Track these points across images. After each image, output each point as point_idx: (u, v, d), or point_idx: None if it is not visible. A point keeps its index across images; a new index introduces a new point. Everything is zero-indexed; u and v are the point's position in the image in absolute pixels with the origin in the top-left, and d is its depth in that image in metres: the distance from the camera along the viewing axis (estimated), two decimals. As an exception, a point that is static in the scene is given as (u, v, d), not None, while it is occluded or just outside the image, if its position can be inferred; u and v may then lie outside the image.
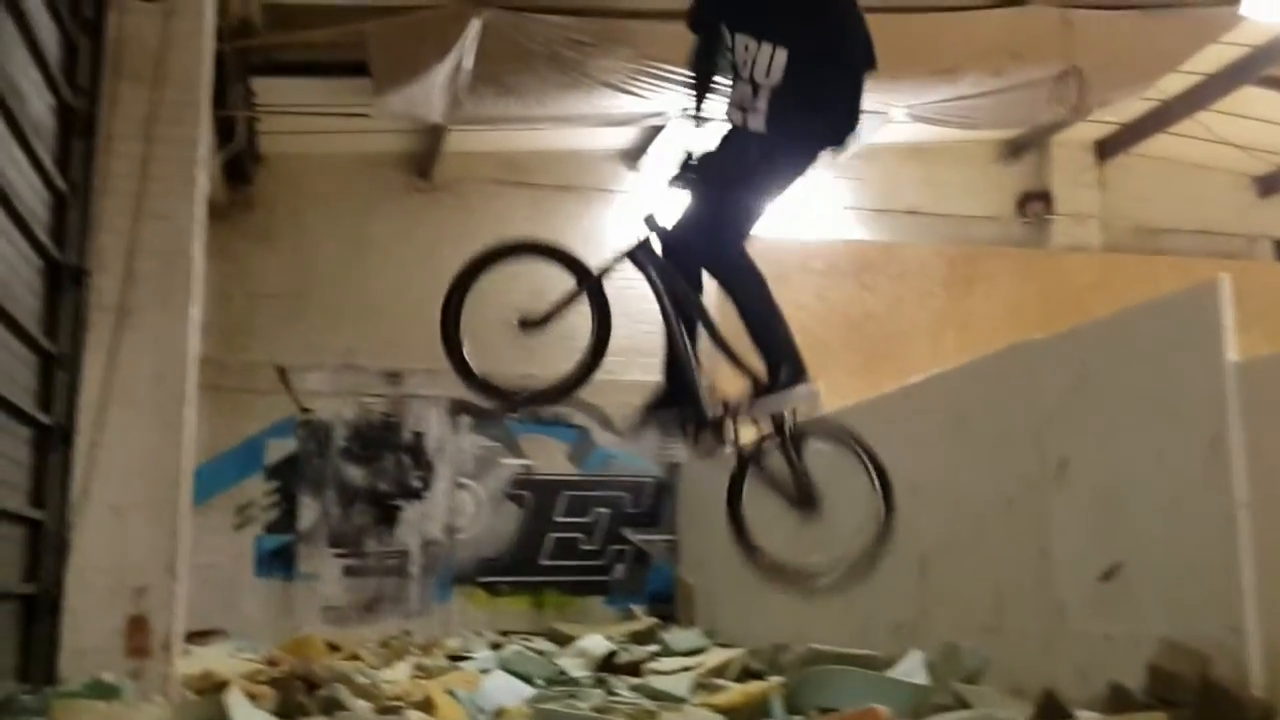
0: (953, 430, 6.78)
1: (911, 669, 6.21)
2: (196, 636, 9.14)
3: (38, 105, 5.27)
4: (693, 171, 4.43)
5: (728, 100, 4.50)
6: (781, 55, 4.34)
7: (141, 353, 5.94)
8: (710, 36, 4.51)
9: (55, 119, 5.59)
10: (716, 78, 4.59)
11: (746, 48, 4.41)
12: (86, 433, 5.77)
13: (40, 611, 5.44)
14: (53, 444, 5.59)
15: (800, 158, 4.49)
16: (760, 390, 4.42)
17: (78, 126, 5.85)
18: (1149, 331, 5.34)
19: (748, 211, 4.48)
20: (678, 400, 4.50)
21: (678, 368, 4.50)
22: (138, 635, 5.76)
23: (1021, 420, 6.13)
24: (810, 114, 4.41)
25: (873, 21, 4.47)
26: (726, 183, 4.43)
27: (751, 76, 4.39)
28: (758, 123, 4.37)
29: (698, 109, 4.57)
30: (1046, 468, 5.87)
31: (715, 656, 8.22)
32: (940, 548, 6.81)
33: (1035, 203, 13.03)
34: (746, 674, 7.42)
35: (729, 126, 4.51)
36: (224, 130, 9.35)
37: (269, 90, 9.88)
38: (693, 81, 4.62)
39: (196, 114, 6.31)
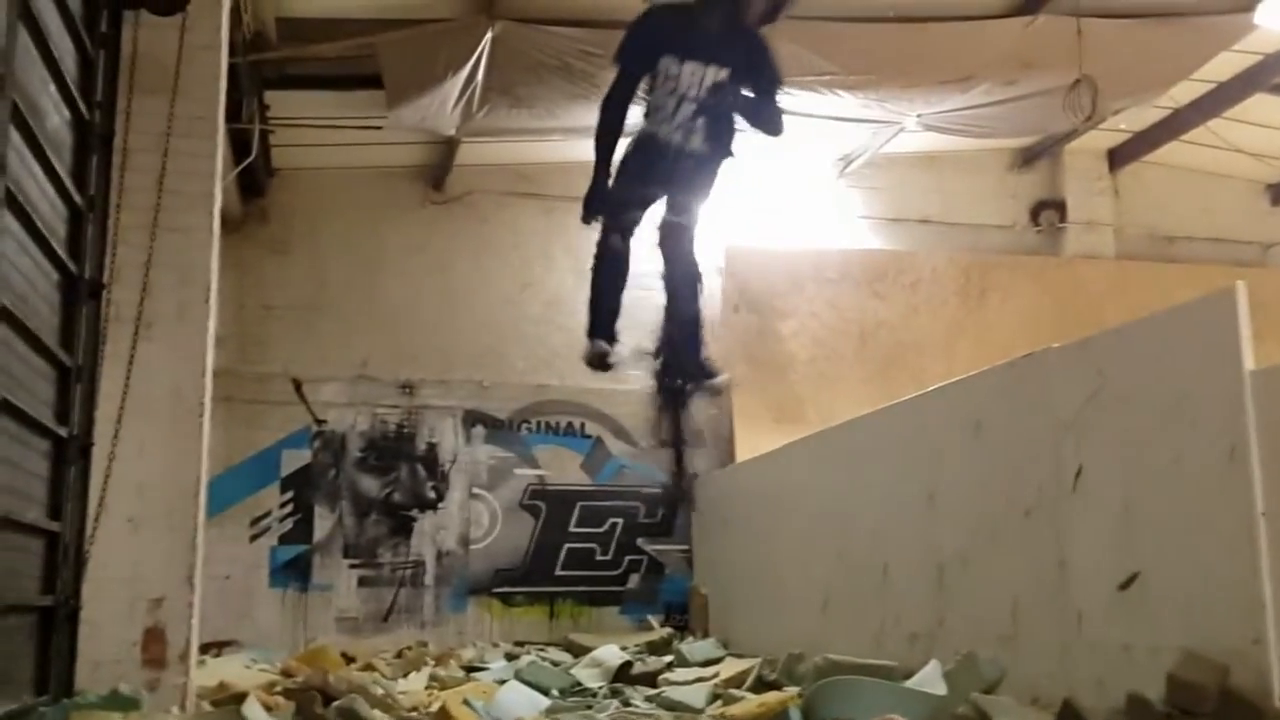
0: (968, 439, 6.76)
1: (929, 679, 6.18)
2: (211, 647, 9.17)
3: (55, 120, 5.30)
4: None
5: (663, 120, 4.79)
6: (724, 74, 4.63)
7: (158, 365, 5.98)
8: (639, 74, 4.74)
9: (72, 134, 5.62)
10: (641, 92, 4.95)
11: (693, 73, 4.67)
12: (104, 445, 5.79)
13: (58, 623, 5.45)
14: (70, 456, 5.60)
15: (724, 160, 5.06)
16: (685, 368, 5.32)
17: (94, 141, 5.88)
18: (1166, 340, 5.31)
19: (696, 209, 5.09)
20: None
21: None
22: (154, 646, 5.77)
23: (1038, 429, 6.10)
24: (743, 125, 4.98)
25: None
26: (679, 188, 4.97)
27: (697, 97, 4.67)
28: (697, 142, 4.68)
29: (602, 175, 4.84)
30: (1063, 477, 5.84)
31: (731, 667, 8.19)
32: (957, 557, 6.78)
33: (1048, 211, 13.02)
34: (762, 684, 7.40)
35: (652, 142, 4.87)
36: (238, 143, 9.40)
37: (283, 103, 9.93)
38: (602, 133, 4.82)
39: (211, 127, 6.34)
